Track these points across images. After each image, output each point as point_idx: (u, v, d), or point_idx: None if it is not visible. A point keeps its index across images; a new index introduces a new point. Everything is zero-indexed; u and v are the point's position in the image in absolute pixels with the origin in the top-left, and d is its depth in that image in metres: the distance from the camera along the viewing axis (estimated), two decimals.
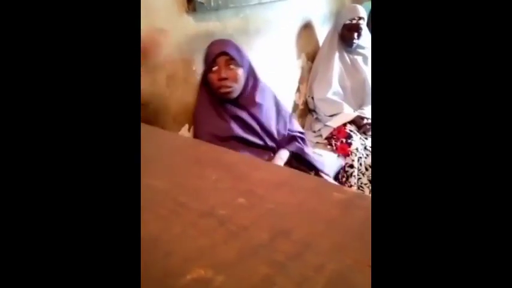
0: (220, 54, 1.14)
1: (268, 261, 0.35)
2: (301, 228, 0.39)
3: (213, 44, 1.20)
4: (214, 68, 1.13)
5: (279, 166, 0.53)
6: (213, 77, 1.14)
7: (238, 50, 1.19)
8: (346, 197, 0.44)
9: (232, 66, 1.14)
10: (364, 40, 1.83)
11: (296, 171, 0.53)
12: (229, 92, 1.15)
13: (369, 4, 1.94)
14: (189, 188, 0.48)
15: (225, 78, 1.13)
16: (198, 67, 1.39)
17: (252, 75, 1.26)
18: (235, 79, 1.15)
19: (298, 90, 1.97)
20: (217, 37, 1.44)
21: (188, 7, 1.28)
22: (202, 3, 1.29)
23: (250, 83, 1.24)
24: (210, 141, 1.14)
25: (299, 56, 1.93)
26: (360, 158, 1.61)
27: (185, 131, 1.38)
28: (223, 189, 0.47)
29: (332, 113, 1.75)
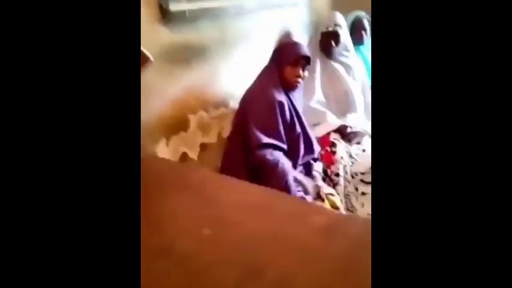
0: (304, 58, 1.36)
1: None
2: (277, 263, 0.33)
3: (300, 45, 1.40)
4: (296, 68, 1.36)
5: (253, 186, 0.47)
6: (292, 71, 1.37)
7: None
8: (328, 221, 0.39)
9: (305, 69, 1.41)
10: (347, 49, 1.82)
11: (273, 190, 0.47)
12: (297, 86, 1.40)
13: (352, 15, 1.94)
14: (147, 218, 0.41)
15: (301, 78, 1.41)
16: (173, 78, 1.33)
17: None
18: (303, 80, 1.43)
19: None
20: (193, 48, 1.39)
21: (163, 17, 1.23)
22: (178, 13, 1.24)
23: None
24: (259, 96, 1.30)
25: None
26: (345, 166, 1.57)
27: (163, 147, 1.30)
28: (186, 217, 0.40)
29: (315, 122, 1.72)
